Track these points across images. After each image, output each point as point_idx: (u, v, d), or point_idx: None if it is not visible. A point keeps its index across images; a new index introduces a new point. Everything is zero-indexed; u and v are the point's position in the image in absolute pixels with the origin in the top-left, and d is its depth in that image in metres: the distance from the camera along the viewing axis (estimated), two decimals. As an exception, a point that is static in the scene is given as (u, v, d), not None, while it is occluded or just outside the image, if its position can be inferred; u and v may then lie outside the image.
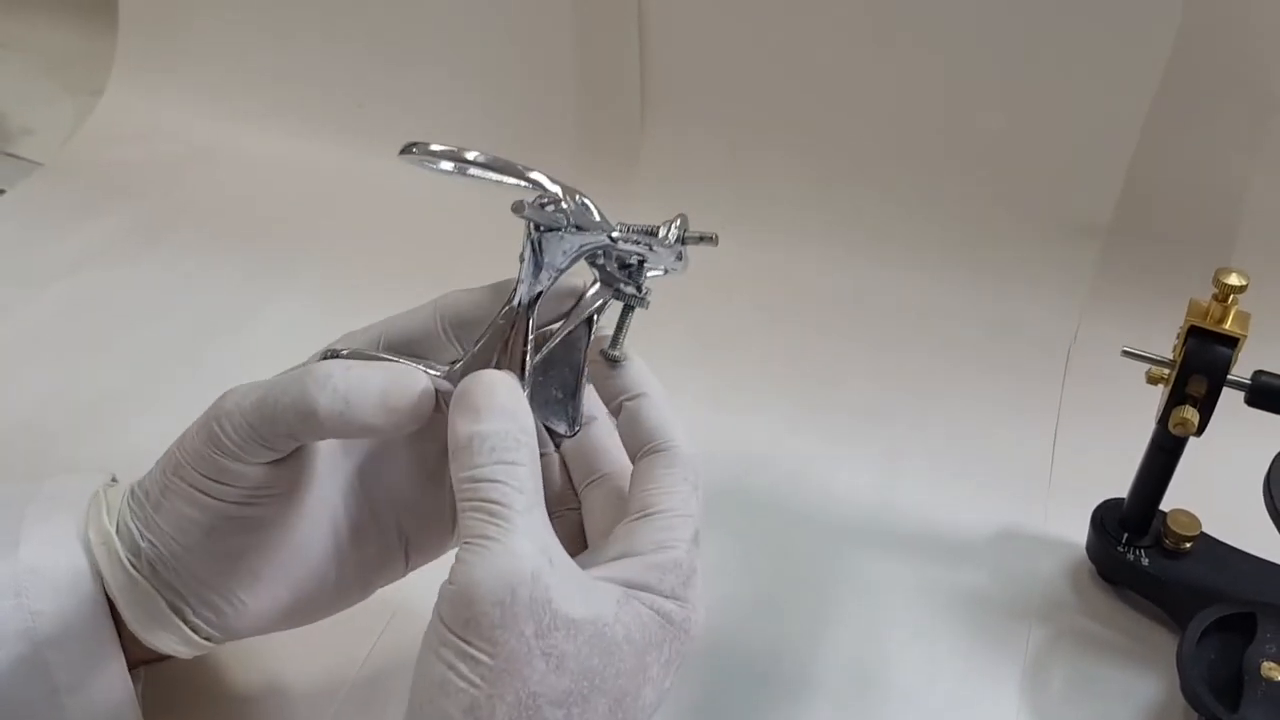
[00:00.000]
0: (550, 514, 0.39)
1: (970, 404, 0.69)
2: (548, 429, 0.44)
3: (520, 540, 0.36)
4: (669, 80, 0.80)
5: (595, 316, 0.44)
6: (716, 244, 0.41)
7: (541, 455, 0.40)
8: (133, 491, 0.44)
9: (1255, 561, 0.57)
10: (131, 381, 0.68)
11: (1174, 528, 0.57)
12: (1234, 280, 0.50)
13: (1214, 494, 0.57)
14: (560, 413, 0.44)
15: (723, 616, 0.56)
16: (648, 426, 0.42)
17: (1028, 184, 0.74)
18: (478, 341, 0.42)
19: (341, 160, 0.85)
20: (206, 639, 0.44)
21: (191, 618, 0.44)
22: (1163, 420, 0.53)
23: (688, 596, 0.39)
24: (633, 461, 0.43)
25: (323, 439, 0.43)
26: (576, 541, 0.45)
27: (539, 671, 0.36)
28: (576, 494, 0.46)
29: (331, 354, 0.44)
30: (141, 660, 0.45)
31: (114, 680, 0.44)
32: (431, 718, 0.36)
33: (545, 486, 0.41)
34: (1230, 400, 0.52)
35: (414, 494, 0.48)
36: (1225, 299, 0.51)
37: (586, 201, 0.41)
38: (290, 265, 0.77)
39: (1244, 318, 0.51)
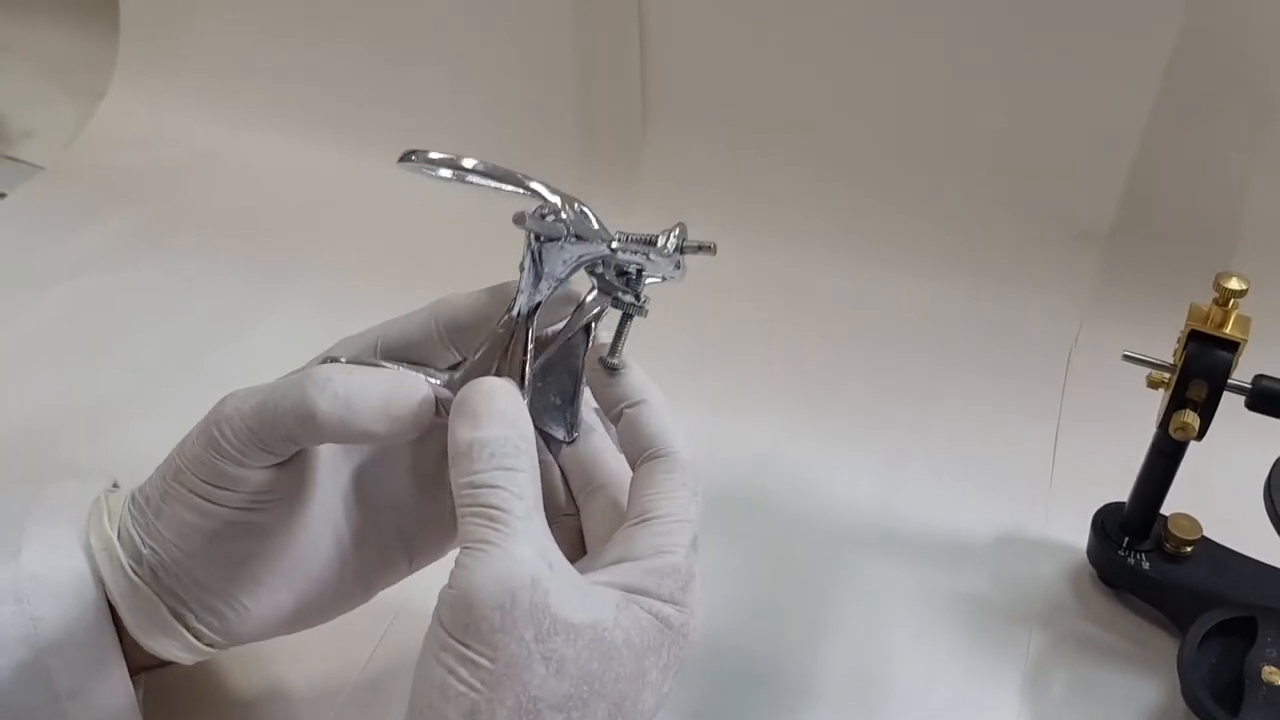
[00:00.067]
0: (550, 521, 0.39)
1: (971, 408, 0.69)
2: (546, 434, 0.44)
3: (520, 545, 0.36)
4: (670, 83, 0.80)
5: (593, 323, 0.44)
6: (715, 253, 0.41)
7: (540, 464, 0.40)
8: (133, 498, 0.44)
9: (1256, 565, 0.57)
10: (132, 386, 0.68)
11: (1175, 532, 0.57)
12: (1235, 284, 0.50)
13: (1215, 498, 0.57)
14: (559, 418, 0.44)
15: (723, 620, 0.56)
16: (647, 433, 0.43)
17: (1029, 188, 0.74)
18: (477, 350, 0.42)
19: (342, 165, 0.85)
20: (209, 645, 0.44)
21: (194, 623, 0.44)
22: (1163, 424, 0.53)
23: (686, 601, 0.40)
24: (632, 468, 0.43)
25: (322, 443, 0.43)
26: (576, 549, 0.45)
27: (539, 676, 0.36)
28: (575, 502, 0.46)
29: (330, 360, 0.44)
30: (143, 666, 0.45)
31: (115, 686, 0.44)
32: None
33: (545, 494, 0.41)
34: (1231, 404, 0.52)
35: (415, 497, 0.48)
36: (1226, 303, 0.51)
37: (586, 210, 0.41)
38: (291, 270, 0.77)
39: (1244, 322, 0.51)
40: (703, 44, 0.78)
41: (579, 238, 0.41)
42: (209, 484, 0.42)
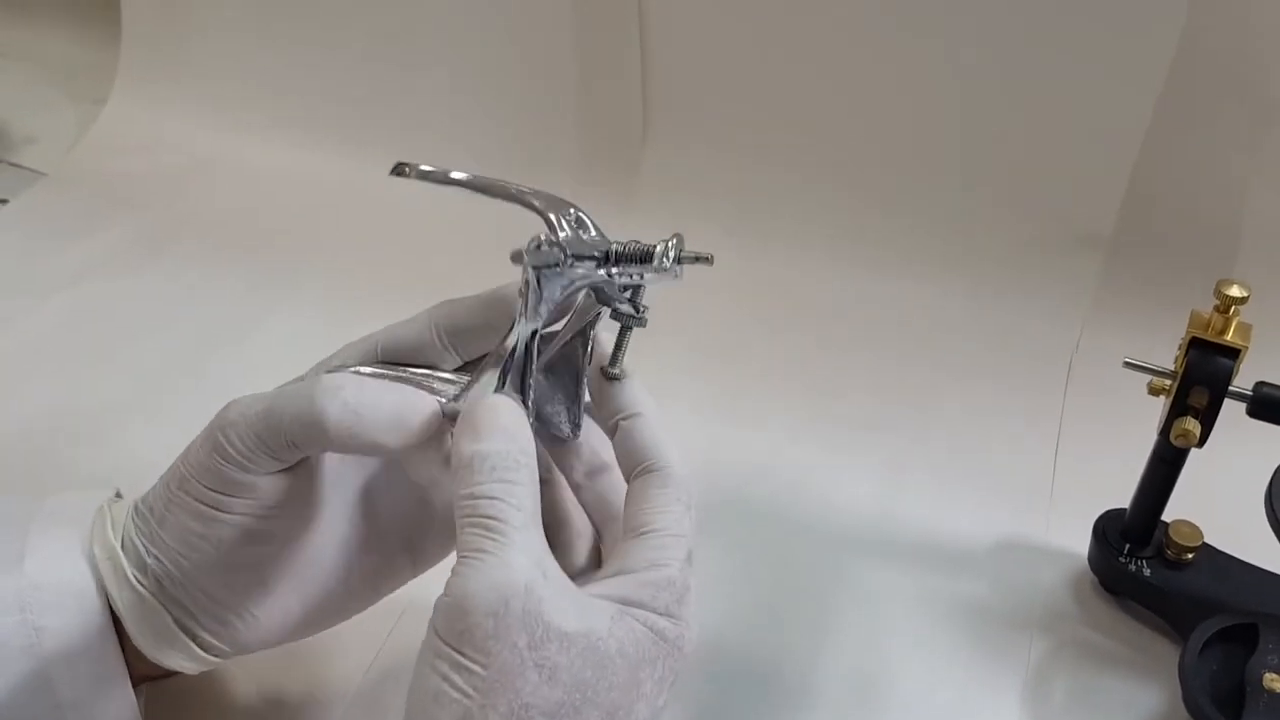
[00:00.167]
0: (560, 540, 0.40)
1: (972, 414, 0.69)
2: (549, 433, 0.45)
3: (515, 554, 0.37)
4: (670, 86, 0.80)
5: (593, 324, 0.44)
6: (712, 264, 0.41)
7: (546, 483, 0.42)
8: (136, 508, 0.44)
9: (1257, 572, 0.57)
10: (134, 392, 0.68)
11: (1176, 538, 0.57)
12: (1235, 292, 0.50)
13: (1216, 505, 0.57)
14: (562, 417, 0.45)
15: (723, 625, 0.56)
16: (642, 446, 0.43)
17: (1029, 195, 0.75)
18: (481, 369, 0.43)
19: (344, 171, 0.85)
20: (214, 655, 0.44)
21: (200, 633, 0.44)
22: (1164, 431, 0.53)
23: (681, 614, 0.40)
24: (627, 481, 0.43)
25: (328, 451, 0.44)
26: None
27: (531, 683, 0.36)
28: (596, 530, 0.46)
29: (333, 369, 0.45)
30: (146, 676, 0.45)
31: (118, 697, 0.44)
32: None
33: (559, 519, 0.43)
34: (1232, 411, 0.52)
35: (419, 503, 0.48)
36: (1227, 310, 0.51)
37: (581, 215, 0.41)
38: (293, 276, 0.77)
39: (1245, 329, 0.51)
40: (703, 47, 0.78)
41: (576, 258, 0.41)
42: (214, 491, 0.42)
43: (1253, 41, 0.66)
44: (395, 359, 0.45)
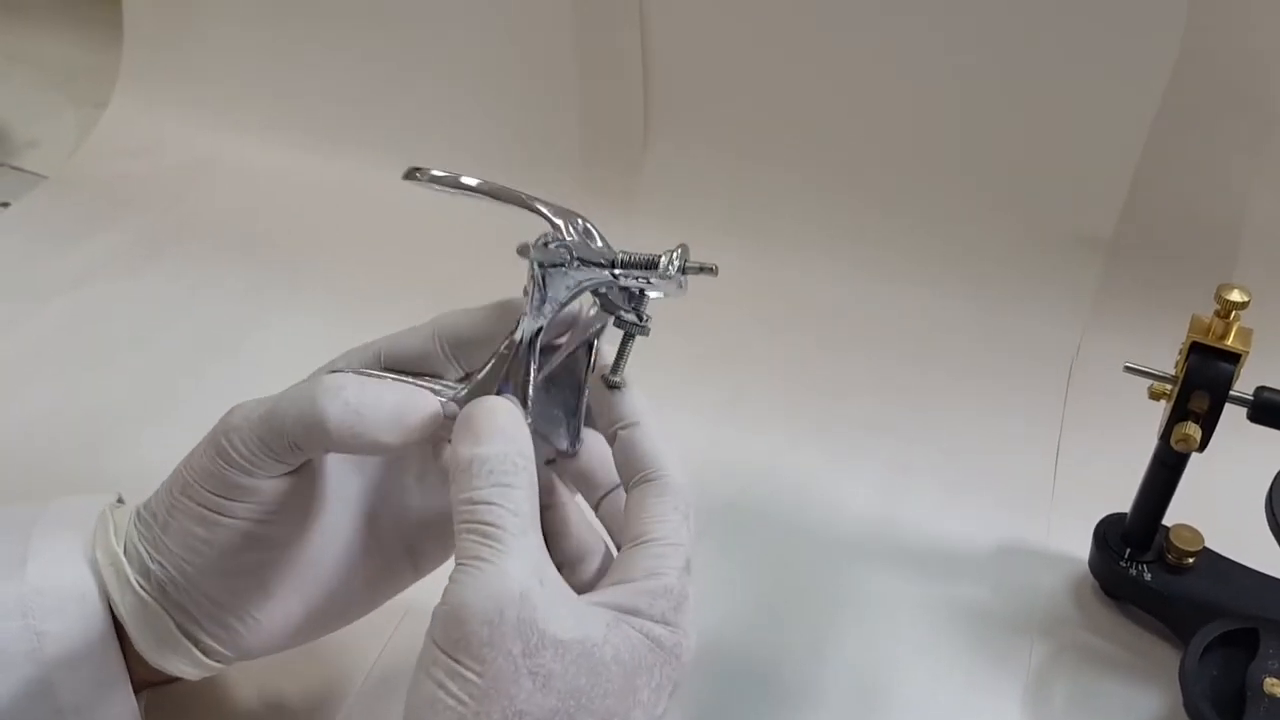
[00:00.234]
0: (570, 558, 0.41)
1: (972, 418, 0.69)
2: (550, 446, 0.45)
3: (512, 562, 0.37)
4: (672, 90, 0.80)
5: (596, 338, 0.44)
6: (716, 275, 0.41)
7: (549, 507, 0.42)
8: (139, 513, 0.44)
9: (1258, 577, 0.57)
10: (135, 395, 0.68)
11: (1176, 543, 0.57)
12: (1236, 296, 0.50)
13: (1216, 509, 0.57)
14: (562, 430, 0.45)
15: (724, 629, 0.56)
16: (640, 455, 0.43)
17: (1030, 198, 0.75)
18: (482, 370, 0.43)
19: (345, 173, 0.85)
20: (216, 661, 0.44)
21: (203, 639, 0.44)
22: (1165, 436, 0.53)
23: (679, 622, 0.40)
24: (626, 490, 0.43)
25: (330, 452, 0.44)
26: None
27: (525, 690, 0.36)
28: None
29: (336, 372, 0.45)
30: (147, 682, 0.46)
31: (120, 702, 0.44)
32: None
33: (569, 536, 0.43)
34: (1232, 416, 0.52)
35: (420, 508, 0.48)
36: (1227, 315, 0.51)
37: (589, 226, 0.42)
38: (294, 278, 0.77)
39: (1246, 334, 0.51)
40: (704, 48, 0.78)
41: (582, 261, 0.41)
42: (217, 495, 0.42)
43: (1253, 45, 0.66)
44: (397, 367, 0.45)
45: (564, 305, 0.42)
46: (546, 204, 0.42)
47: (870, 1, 0.72)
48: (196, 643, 0.44)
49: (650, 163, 0.82)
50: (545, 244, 0.41)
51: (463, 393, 0.43)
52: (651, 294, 0.44)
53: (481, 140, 0.84)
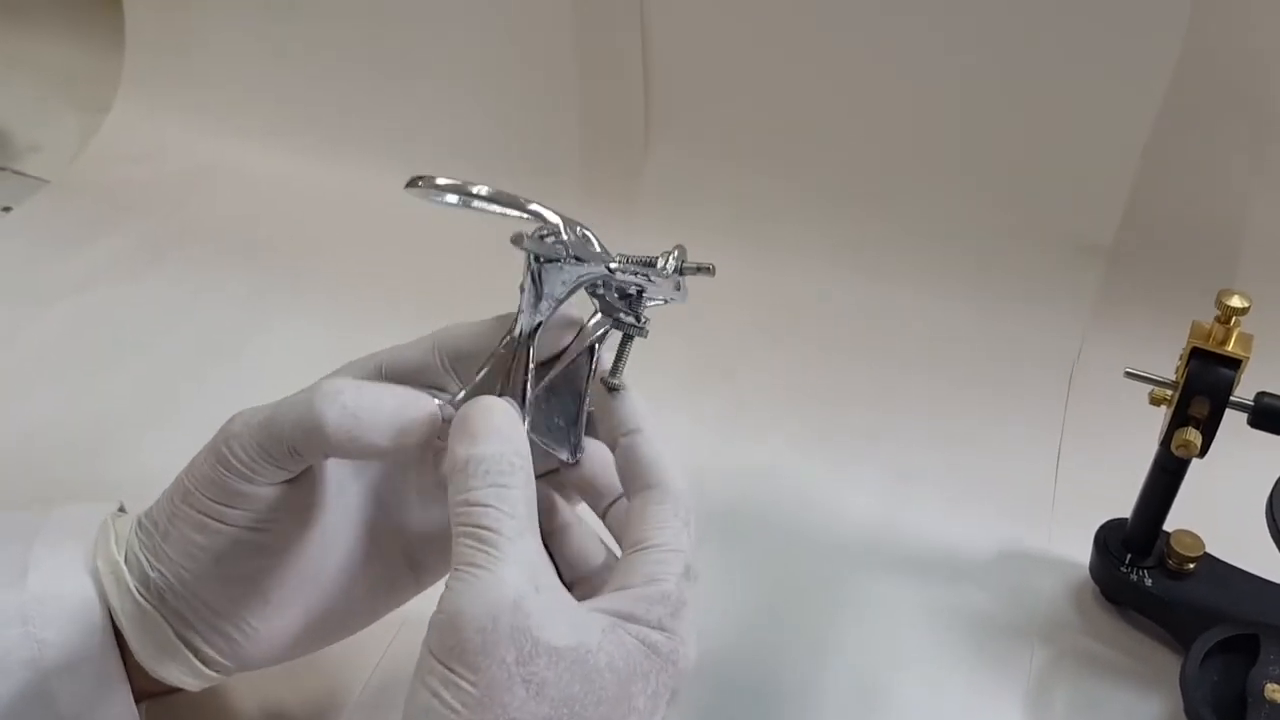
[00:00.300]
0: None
1: (973, 424, 0.69)
2: (550, 455, 0.45)
3: (507, 568, 0.37)
4: (673, 94, 0.80)
5: (596, 346, 0.44)
6: (713, 274, 0.41)
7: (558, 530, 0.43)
8: (140, 522, 0.44)
9: (1259, 582, 0.57)
10: (137, 400, 0.68)
11: (1177, 548, 0.57)
12: (1236, 302, 0.50)
13: (1217, 515, 0.57)
14: (562, 439, 0.45)
15: (724, 635, 0.56)
16: (642, 462, 0.43)
17: (1031, 204, 0.75)
18: (479, 371, 0.43)
19: (347, 179, 0.85)
20: (216, 670, 0.44)
21: (202, 647, 0.44)
22: (1165, 441, 0.53)
23: (676, 629, 0.40)
24: (628, 496, 0.43)
25: (329, 457, 0.43)
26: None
27: (519, 698, 0.36)
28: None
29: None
30: (148, 693, 0.45)
31: (120, 711, 0.44)
32: None
33: (571, 557, 0.44)
34: (1233, 421, 0.52)
35: (421, 517, 0.48)
36: (1228, 321, 0.51)
37: (587, 233, 0.42)
38: (295, 283, 0.77)
39: (1246, 339, 0.51)
40: (705, 53, 0.78)
41: (578, 259, 0.41)
42: (217, 503, 0.42)
43: (1254, 52, 0.66)
44: (398, 380, 0.45)
45: (561, 302, 0.42)
46: (549, 209, 0.42)
47: (871, 3, 0.72)
48: (196, 651, 0.44)
49: (651, 167, 0.82)
50: (541, 236, 0.41)
51: (460, 395, 0.43)
52: (651, 300, 0.44)
53: (481, 145, 0.84)
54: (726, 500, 0.63)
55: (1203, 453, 0.52)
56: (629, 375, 0.44)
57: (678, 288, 0.42)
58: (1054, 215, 0.74)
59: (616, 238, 0.43)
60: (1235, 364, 0.51)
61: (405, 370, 0.45)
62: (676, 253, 0.42)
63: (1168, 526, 0.57)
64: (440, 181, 0.40)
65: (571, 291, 0.42)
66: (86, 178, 0.87)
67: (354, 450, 0.41)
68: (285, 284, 0.77)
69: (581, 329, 0.44)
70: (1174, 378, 0.53)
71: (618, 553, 0.45)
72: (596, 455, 0.45)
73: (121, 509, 0.47)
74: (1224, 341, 0.51)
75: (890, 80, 0.75)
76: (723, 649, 0.56)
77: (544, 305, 0.42)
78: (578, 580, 0.45)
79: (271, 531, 0.43)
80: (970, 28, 0.71)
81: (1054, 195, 0.74)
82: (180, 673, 0.44)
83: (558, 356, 0.44)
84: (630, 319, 0.44)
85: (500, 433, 0.39)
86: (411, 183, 0.41)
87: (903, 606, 0.59)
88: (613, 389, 0.44)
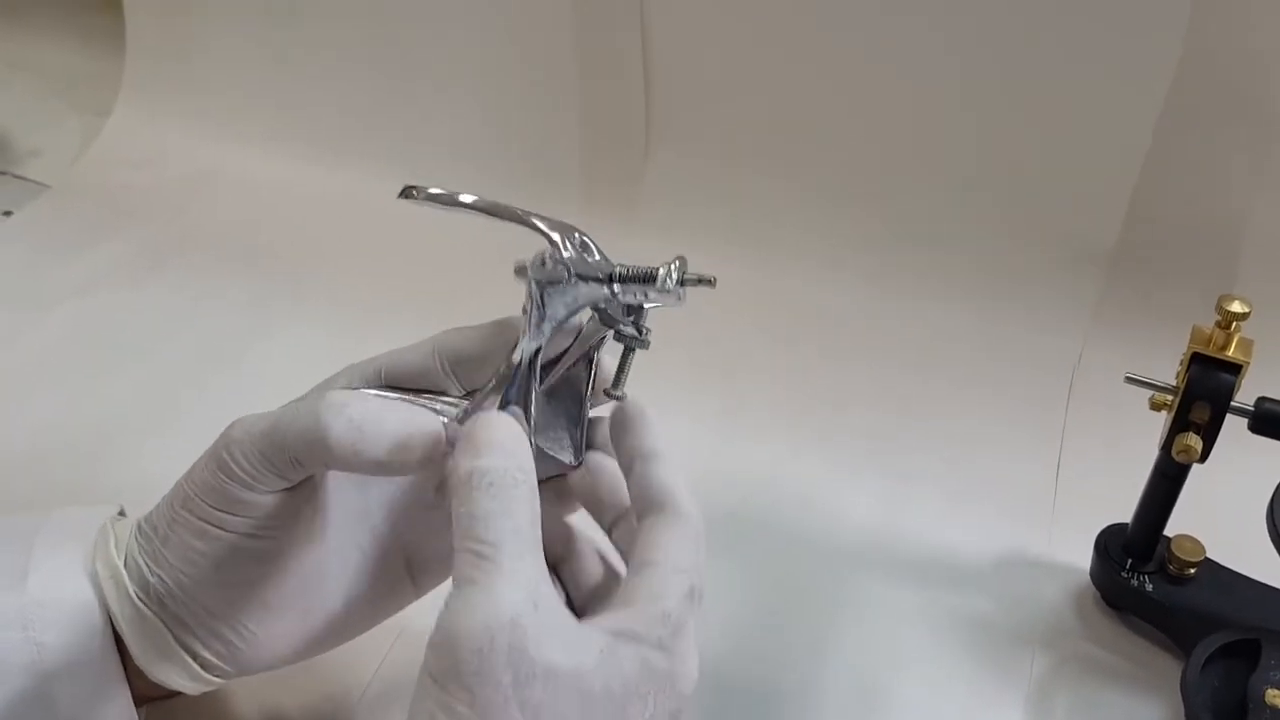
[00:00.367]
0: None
1: (973, 428, 0.69)
2: (552, 459, 0.45)
3: (505, 585, 0.36)
4: (673, 99, 0.80)
5: (596, 349, 0.44)
6: (714, 286, 0.41)
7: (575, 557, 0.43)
8: (140, 526, 0.44)
9: (1260, 588, 0.57)
10: (137, 405, 0.68)
11: (1178, 553, 0.57)
12: (1237, 307, 0.50)
13: (1218, 520, 0.57)
14: (564, 443, 0.45)
15: (724, 640, 0.56)
16: (654, 486, 0.42)
17: (1031, 209, 0.75)
18: (484, 390, 0.43)
19: (347, 184, 0.85)
20: (215, 675, 0.44)
21: (201, 652, 0.44)
22: (1166, 446, 0.53)
23: (676, 648, 0.39)
24: (638, 518, 0.43)
25: (332, 469, 0.44)
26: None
27: None
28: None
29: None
30: (147, 697, 0.45)
31: (119, 714, 0.44)
32: None
33: (588, 585, 0.44)
34: (1234, 427, 0.52)
35: (421, 525, 0.48)
36: (1228, 326, 0.51)
37: (587, 240, 0.42)
38: (296, 289, 0.77)
39: (1247, 344, 0.51)
40: (706, 56, 0.78)
41: (581, 277, 0.41)
42: (217, 509, 0.42)
43: (1255, 57, 0.66)
44: (397, 383, 0.45)
45: (562, 323, 0.42)
46: (543, 219, 0.41)
47: (871, 4, 0.72)
48: (194, 656, 0.44)
49: (651, 171, 0.82)
50: (542, 262, 0.41)
51: (465, 412, 0.43)
52: (649, 304, 0.44)
53: (482, 150, 0.84)
54: (727, 502, 0.63)
55: (1203, 458, 0.52)
56: (630, 376, 0.44)
57: (679, 298, 0.42)
58: (1055, 218, 0.74)
59: (616, 239, 0.43)
60: (1236, 369, 0.51)
61: (405, 374, 0.45)
62: (677, 264, 0.41)
63: (1168, 531, 0.57)
64: (432, 191, 0.40)
65: (573, 313, 0.42)
66: (87, 182, 0.87)
67: (356, 465, 0.41)
68: (286, 290, 0.77)
69: (580, 332, 0.44)
70: (1174, 383, 0.53)
71: (622, 570, 0.45)
72: (604, 468, 0.45)
73: (121, 512, 0.47)
74: (1224, 347, 0.51)
75: (890, 81, 0.75)
76: (723, 650, 0.56)
77: (546, 327, 0.42)
78: (586, 604, 0.44)
79: (271, 538, 0.43)
80: (970, 28, 0.71)
81: (1055, 198, 0.74)
82: (179, 677, 0.44)
83: (558, 359, 0.44)
84: (631, 330, 0.44)
85: (504, 447, 0.39)
86: (404, 192, 0.41)
87: (903, 611, 0.59)
88: (615, 400, 0.44)
